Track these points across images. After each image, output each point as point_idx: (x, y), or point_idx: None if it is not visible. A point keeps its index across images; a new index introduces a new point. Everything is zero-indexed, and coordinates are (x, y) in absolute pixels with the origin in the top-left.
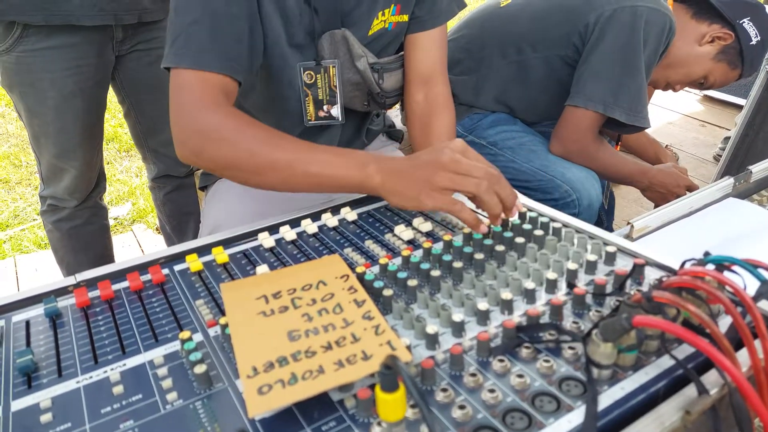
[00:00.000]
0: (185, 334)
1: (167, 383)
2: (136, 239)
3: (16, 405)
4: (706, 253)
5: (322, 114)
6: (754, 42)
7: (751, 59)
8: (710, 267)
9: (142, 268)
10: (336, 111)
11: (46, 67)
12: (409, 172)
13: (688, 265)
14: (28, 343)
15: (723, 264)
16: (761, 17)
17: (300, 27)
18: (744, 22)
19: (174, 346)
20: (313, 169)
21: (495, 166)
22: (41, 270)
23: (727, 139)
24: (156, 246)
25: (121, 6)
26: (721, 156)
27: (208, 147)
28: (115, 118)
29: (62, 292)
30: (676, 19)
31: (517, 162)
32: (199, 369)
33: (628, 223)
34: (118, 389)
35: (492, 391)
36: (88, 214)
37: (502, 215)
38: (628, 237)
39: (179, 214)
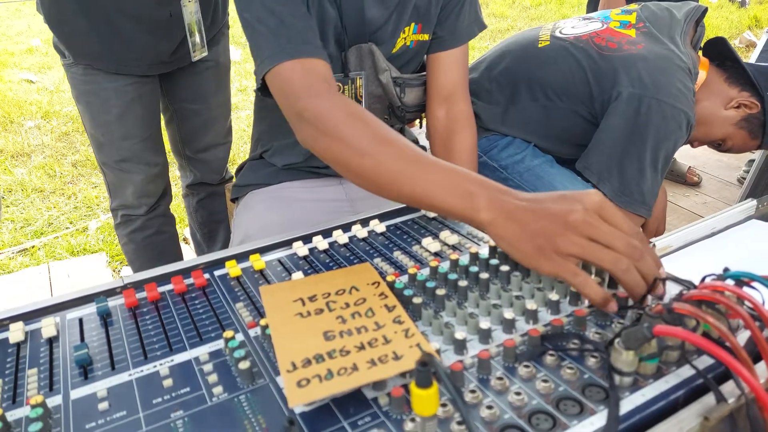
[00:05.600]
0: (229, 334)
1: (213, 378)
2: None
3: (75, 394)
4: (726, 269)
5: None
6: None
7: None
8: (730, 282)
9: (185, 272)
10: None
11: (110, 77)
12: (528, 221)
13: (708, 280)
14: (82, 339)
15: (742, 279)
16: None
17: (331, 38)
18: None
19: (217, 344)
20: (418, 188)
21: (638, 230)
22: (73, 276)
23: (751, 162)
24: (184, 255)
25: (180, 60)
26: (745, 179)
27: (318, 137)
28: None
29: (111, 293)
30: (708, 78)
31: (524, 188)
32: (243, 365)
33: (651, 242)
34: (167, 382)
35: (518, 393)
36: (159, 222)
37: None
38: None
39: (210, 221)
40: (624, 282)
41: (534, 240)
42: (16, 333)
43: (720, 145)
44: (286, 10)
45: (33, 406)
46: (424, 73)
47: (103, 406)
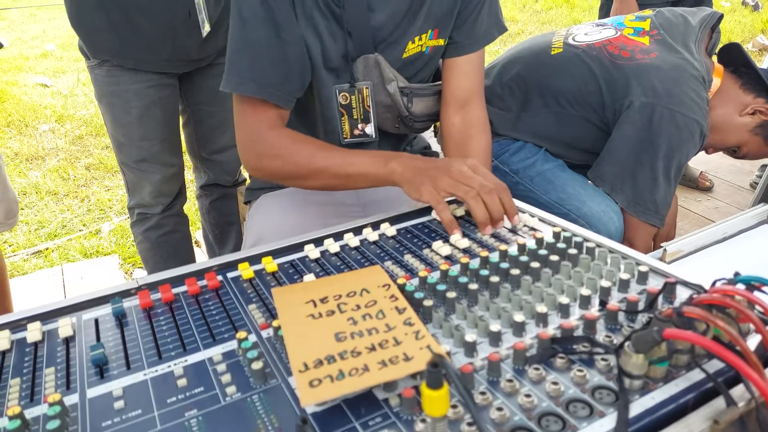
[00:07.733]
0: (242, 334)
1: (226, 378)
2: None
3: (92, 392)
4: (736, 273)
5: (357, 132)
6: None
7: None
8: (740, 287)
9: (199, 274)
10: (370, 129)
11: (132, 78)
12: (425, 170)
13: (718, 284)
14: (98, 339)
15: (753, 284)
16: None
17: (336, 51)
18: None
19: (230, 345)
20: (348, 170)
21: (500, 182)
22: (86, 278)
23: (764, 167)
24: (196, 258)
25: (202, 60)
26: (757, 183)
27: (265, 163)
28: None
29: (126, 294)
30: (723, 85)
31: (535, 192)
32: (257, 365)
33: (661, 247)
34: (181, 382)
35: (528, 396)
36: (174, 222)
37: (489, 228)
38: (661, 260)
39: (222, 222)
40: (470, 207)
41: (422, 179)
42: (33, 333)
43: (735, 152)
44: (267, 37)
45: (51, 404)
46: (438, 83)
47: (119, 404)
